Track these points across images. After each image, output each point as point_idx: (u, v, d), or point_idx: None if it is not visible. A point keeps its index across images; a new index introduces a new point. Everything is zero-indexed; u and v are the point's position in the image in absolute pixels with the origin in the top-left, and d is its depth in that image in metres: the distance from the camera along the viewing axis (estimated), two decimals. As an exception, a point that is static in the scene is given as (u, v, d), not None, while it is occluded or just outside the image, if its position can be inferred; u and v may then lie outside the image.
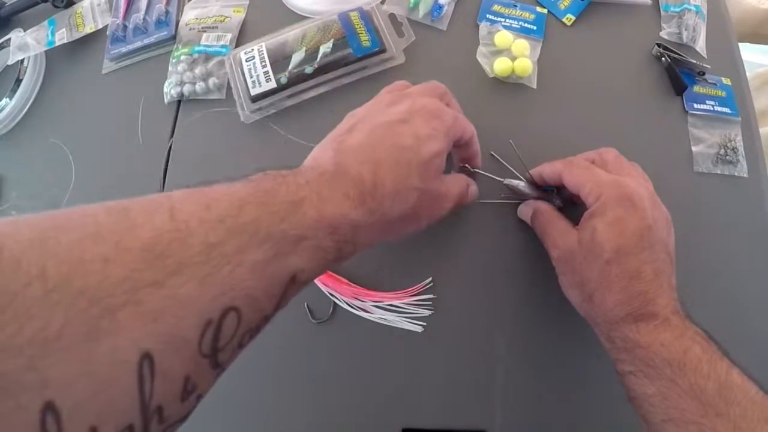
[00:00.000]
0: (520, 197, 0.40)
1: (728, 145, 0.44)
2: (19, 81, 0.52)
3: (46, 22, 0.55)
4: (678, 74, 0.45)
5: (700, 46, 0.48)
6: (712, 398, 0.27)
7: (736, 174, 0.44)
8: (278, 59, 0.46)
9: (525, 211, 0.40)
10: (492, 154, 0.42)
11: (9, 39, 0.54)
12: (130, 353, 0.18)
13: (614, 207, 0.32)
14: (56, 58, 0.55)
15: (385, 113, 0.32)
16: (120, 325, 0.17)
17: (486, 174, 0.39)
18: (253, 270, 0.22)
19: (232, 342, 0.21)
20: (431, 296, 0.40)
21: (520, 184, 0.39)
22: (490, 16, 0.48)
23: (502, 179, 0.39)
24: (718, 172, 0.44)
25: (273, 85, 0.45)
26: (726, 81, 0.47)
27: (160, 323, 0.18)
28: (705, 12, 0.49)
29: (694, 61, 0.46)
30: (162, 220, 0.21)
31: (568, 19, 0.49)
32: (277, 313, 0.25)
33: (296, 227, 0.24)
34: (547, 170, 0.37)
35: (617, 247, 0.31)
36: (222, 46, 0.49)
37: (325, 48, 0.45)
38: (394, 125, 0.30)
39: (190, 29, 0.51)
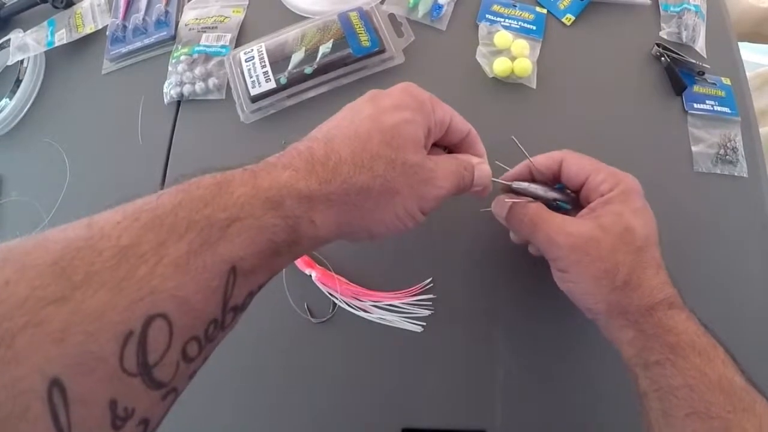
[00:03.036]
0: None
1: (728, 144, 0.44)
2: (18, 81, 0.52)
3: (45, 23, 0.55)
4: (678, 74, 0.46)
5: (700, 45, 0.48)
6: (740, 392, 0.26)
7: (735, 174, 0.44)
8: (278, 59, 0.46)
9: (498, 208, 0.36)
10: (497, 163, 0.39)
11: (9, 39, 0.54)
12: (35, 381, 0.15)
13: (636, 197, 0.31)
14: (56, 58, 0.55)
15: (354, 102, 0.30)
16: (20, 352, 0.15)
17: (495, 180, 0.35)
18: (176, 267, 0.19)
19: (169, 355, 0.19)
20: (431, 296, 0.40)
21: (531, 186, 0.36)
22: (490, 16, 0.48)
23: (510, 183, 0.36)
24: (718, 171, 0.44)
25: (273, 85, 0.45)
26: (726, 81, 0.47)
27: (67, 343, 0.16)
28: (704, 12, 0.49)
29: (694, 61, 0.46)
30: (76, 230, 0.19)
31: (568, 19, 0.49)
32: (237, 315, 0.22)
33: (224, 209, 0.21)
34: (542, 160, 0.35)
35: (646, 235, 0.30)
36: (222, 47, 0.49)
37: (324, 48, 0.45)
38: (358, 105, 0.29)
39: (190, 29, 0.51)
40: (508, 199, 0.35)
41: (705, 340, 0.28)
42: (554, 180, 0.36)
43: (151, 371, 0.18)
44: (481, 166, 0.33)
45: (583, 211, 0.33)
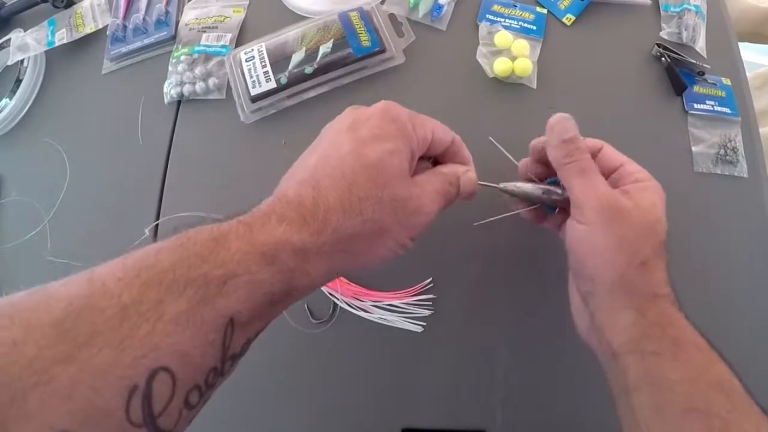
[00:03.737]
0: (524, 201, 0.36)
1: (728, 145, 0.44)
2: (19, 81, 0.52)
3: (46, 23, 0.55)
4: (678, 74, 0.46)
5: (700, 46, 0.48)
6: (740, 394, 0.26)
7: (736, 174, 0.44)
8: (278, 59, 0.46)
9: (558, 129, 0.33)
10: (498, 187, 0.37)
11: (9, 39, 0.54)
12: None
13: (660, 195, 0.32)
14: (56, 58, 0.55)
15: (334, 126, 0.29)
16: (31, 409, 0.16)
17: (483, 183, 0.35)
18: (177, 323, 0.20)
19: (172, 404, 0.20)
20: (431, 296, 0.40)
21: (519, 185, 0.35)
22: (490, 16, 0.48)
23: (496, 185, 0.35)
24: (718, 172, 0.44)
25: (273, 85, 0.45)
26: (726, 81, 0.47)
27: (75, 399, 0.17)
28: (704, 12, 0.49)
29: (694, 61, 0.46)
30: (78, 285, 0.19)
31: (568, 19, 0.49)
32: (235, 362, 0.23)
33: (220, 265, 0.22)
34: (589, 140, 0.34)
35: (665, 230, 0.31)
36: (222, 46, 0.49)
37: (324, 48, 0.45)
38: (338, 135, 0.28)
39: (190, 29, 0.51)
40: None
41: (703, 342, 0.28)
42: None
43: (156, 421, 0.19)
44: (466, 175, 0.32)
45: (618, 189, 0.32)
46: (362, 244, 0.26)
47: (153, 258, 0.21)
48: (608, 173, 0.34)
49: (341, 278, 0.40)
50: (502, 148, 0.36)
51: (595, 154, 0.34)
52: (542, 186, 0.35)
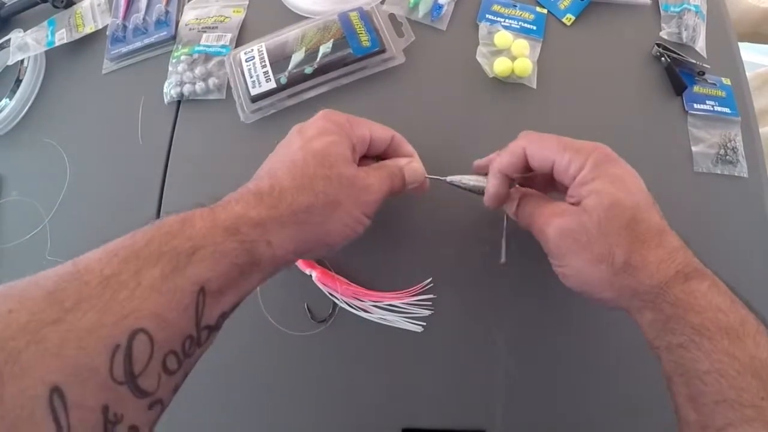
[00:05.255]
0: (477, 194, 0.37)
1: (728, 145, 0.45)
2: (19, 81, 0.52)
3: (45, 23, 0.55)
4: (678, 74, 0.46)
5: (700, 46, 0.48)
6: None
7: (736, 174, 0.44)
8: (278, 59, 0.46)
9: (508, 207, 0.36)
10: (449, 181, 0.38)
11: (9, 39, 0.54)
12: (39, 389, 0.18)
13: (608, 167, 0.30)
14: (56, 58, 0.55)
15: (284, 140, 0.33)
16: (25, 366, 0.18)
17: (430, 177, 0.37)
18: (152, 289, 0.22)
19: (151, 365, 0.21)
20: (431, 296, 0.40)
21: (464, 178, 0.36)
22: (490, 16, 0.48)
23: (444, 178, 0.37)
24: (718, 172, 0.44)
25: (273, 85, 0.45)
26: (726, 81, 0.47)
27: (63, 356, 0.19)
28: (704, 12, 0.49)
29: (694, 61, 0.46)
30: (64, 268, 0.22)
31: (568, 19, 0.49)
32: (211, 334, 0.25)
33: (188, 239, 0.24)
34: (508, 152, 0.33)
35: (635, 203, 0.28)
36: (222, 47, 0.49)
37: (324, 48, 0.45)
38: (289, 141, 0.32)
39: (190, 29, 0.51)
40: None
41: (732, 317, 0.26)
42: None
43: (137, 380, 0.21)
44: (410, 166, 0.35)
45: (567, 200, 0.31)
46: (318, 216, 0.29)
47: (129, 240, 0.24)
48: (548, 172, 0.32)
49: (341, 278, 0.40)
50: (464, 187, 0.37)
51: (527, 167, 0.33)
52: (485, 177, 0.36)
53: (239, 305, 0.27)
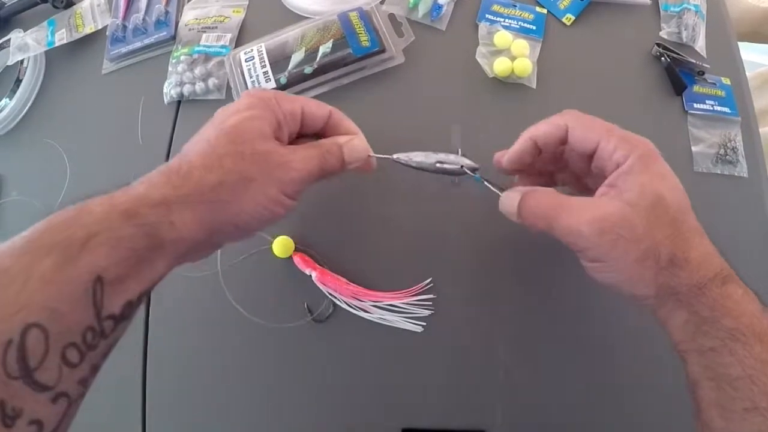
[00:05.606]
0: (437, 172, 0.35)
1: (728, 144, 0.44)
2: (19, 81, 0.52)
3: (45, 23, 0.55)
4: (678, 74, 0.45)
5: (700, 45, 0.48)
6: None
7: (736, 174, 0.44)
8: (278, 59, 0.46)
9: (508, 202, 0.32)
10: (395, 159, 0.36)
11: (9, 39, 0.54)
12: None
13: (657, 162, 0.29)
14: (56, 58, 0.55)
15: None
16: None
17: (376, 155, 0.35)
18: (43, 281, 0.21)
19: (49, 359, 0.21)
20: (431, 296, 0.40)
21: (411, 155, 0.34)
22: (490, 16, 0.48)
23: (390, 156, 0.35)
24: (718, 172, 0.44)
25: (272, 85, 0.45)
26: (726, 81, 0.47)
27: None
28: (704, 12, 0.49)
29: (694, 61, 0.46)
30: None
31: (568, 19, 0.49)
32: (118, 324, 0.24)
33: (83, 227, 0.23)
34: (548, 123, 0.31)
35: (678, 202, 0.28)
36: (222, 47, 0.49)
37: (324, 48, 0.45)
38: (210, 121, 0.31)
39: (190, 29, 0.51)
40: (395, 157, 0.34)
41: (766, 323, 0.25)
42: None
43: (33, 374, 0.21)
44: (350, 143, 0.33)
45: (601, 188, 0.29)
46: (228, 194, 0.27)
47: (28, 232, 0.23)
48: (587, 159, 0.31)
49: (341, 278, 0.40)
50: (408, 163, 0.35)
51: (563, 141, 0.31)
52: (435, 155, 0.34)
53: (151, 291, 0.26)
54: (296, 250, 0.41)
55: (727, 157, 0.44)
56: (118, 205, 0.25)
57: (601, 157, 0.30)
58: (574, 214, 0.28)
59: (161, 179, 0.27)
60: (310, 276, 0.40)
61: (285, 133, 0.32)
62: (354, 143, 0.34)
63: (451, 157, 0.34)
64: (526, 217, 0.31)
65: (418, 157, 0.34)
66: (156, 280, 0.26)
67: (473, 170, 0.34)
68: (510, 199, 0.32)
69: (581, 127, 0.30)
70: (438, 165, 0.34)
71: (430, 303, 0.40)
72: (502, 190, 0.34)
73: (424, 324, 0.39)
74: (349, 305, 0.40)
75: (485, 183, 0.34)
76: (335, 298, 0.40)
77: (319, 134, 0.35)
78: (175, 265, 0.27)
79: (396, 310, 0.40)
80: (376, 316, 0.39)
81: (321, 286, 0.40)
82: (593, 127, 0.30)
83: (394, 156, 0.34)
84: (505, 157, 0.34)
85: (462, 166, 0.34)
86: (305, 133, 0.34)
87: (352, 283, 0.40)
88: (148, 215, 0.25)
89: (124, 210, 0.24)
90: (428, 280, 0.40)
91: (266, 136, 0.29)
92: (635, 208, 0.27)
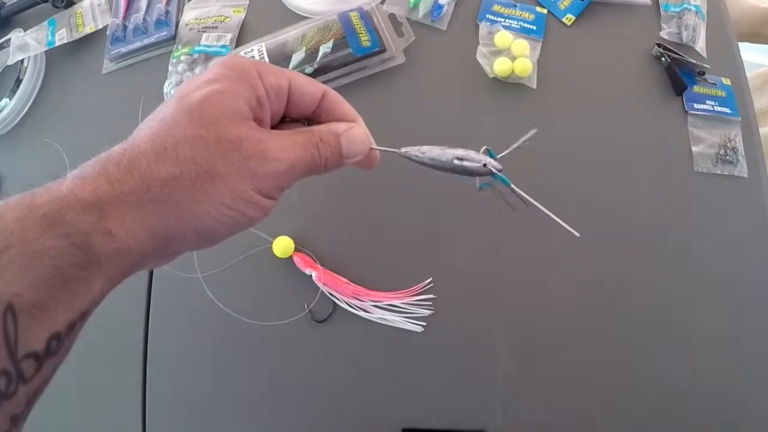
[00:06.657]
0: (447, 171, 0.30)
1: (728, 145, 0.44)
2: (19, 81, 0.52)
3: (46, 23, 0.55)
4: (678, 74, 0.45)
5: (700, 46, 0.48)
6: None
7: (736, 174, 0.44)
8: (278, 59, 0.46)
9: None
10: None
11: (9, 39, 0.54)
12: None
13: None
14: (56, 58, 0.55)
15: None
16: None
17: (378, 148, 0.29)
18: None
19: None
20: (431, 296, 0.40)
21: (423, 149, 0.29)
22: (490, 16, 0.48)
23: (397, 150, 0.29)
24: (718, 172, 0.44)
25: (273, 85, 0.45)
26: (726, 81, 0.47)
27: None
28: (704, 12, 0.49)
29: (694, 61, 0.46)
30: None
31: (568, 19, 0.49)
32: (44, 363, 0.18)
33: None
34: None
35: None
36: (222, 46, 0.49)
37: (325, 48, 0.45)
38: (176, 91, 0.24)
39: (190, 29, 0.51)
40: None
41: None
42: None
43: None
44: (350, 132, 0.26)
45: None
46: (183, 192, 0.21)
47: None
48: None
49: (341, 278, 0.40)
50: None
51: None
52: (453, 150, 0.28)
53: (85, 321, 0.20)
54: (296, 250, 0.41)
55: (728, 157, 0.44)
56: (38, 208, 0.18)
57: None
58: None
59: (95, 171, 0.20)
60: (310, 276, 0.40)
61: (266, 114, 0.24)
62: (354, 132, 0.27)
63: (472, 153, 0.29)
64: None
65: (433, 152, 0.28)
66: (91, 305, 0.20)
67: (498, 171, 0.29)
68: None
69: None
70: (456, 162, 0.29)
71: (430, 303, 0.40)
72: (527, 199, 0.29)
73: (424, 324, 0.39)
74: (349, 305, 0.40)
75: (512, 187, 0.29)
76: (335, 298, 0.40)
77: (310, 120, 0.28)
78: (120, 281, 0.21)
79: (396, 310, 0.40)
80: (376, 316, 0.39)
81: (321, 286, 0.40)
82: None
83: (402, 150, 0.29)
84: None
85: (485, 164, 0.29)
86: (292, 117, 0.27)
87: (352, 283, 0.40)
88: (75, 221, 0.18)
89: (43, 215, 0.18)
90: (428, 280, 0.40)
91: (240, 117, 0.22)
92: None
